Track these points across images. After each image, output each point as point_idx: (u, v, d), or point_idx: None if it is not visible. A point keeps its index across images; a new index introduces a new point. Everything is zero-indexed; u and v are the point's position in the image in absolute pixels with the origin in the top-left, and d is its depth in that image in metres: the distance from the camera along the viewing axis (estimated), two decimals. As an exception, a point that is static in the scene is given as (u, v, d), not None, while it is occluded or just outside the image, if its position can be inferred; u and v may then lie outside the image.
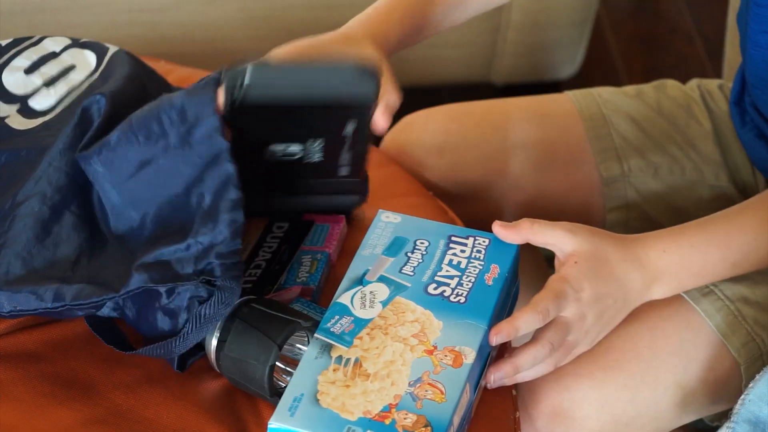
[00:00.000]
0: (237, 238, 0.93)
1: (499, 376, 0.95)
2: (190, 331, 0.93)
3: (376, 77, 0.94)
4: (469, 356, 0.91)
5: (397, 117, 1.35)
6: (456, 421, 0.88)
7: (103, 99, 1.04)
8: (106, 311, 0.98)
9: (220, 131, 0.94)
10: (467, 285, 0.96)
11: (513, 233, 0.98)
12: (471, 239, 1.00)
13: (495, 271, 0.97)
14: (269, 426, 0.87)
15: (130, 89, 1.09)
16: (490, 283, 0.96)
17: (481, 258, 0.98)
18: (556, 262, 0.98)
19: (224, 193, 0.94)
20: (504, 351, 1.00)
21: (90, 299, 0.94)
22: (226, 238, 0.93)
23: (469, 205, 1.27)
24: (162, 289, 0.94)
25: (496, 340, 0.92)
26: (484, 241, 0.99)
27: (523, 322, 0.93)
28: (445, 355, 0.91)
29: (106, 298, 0.94)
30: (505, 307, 0.98)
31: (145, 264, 0.94)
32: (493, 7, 1.19)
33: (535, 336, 0.95)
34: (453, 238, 1.00)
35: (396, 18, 1.08)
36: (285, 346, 0.95)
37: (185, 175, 0.96)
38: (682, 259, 0.99)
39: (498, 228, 0.98)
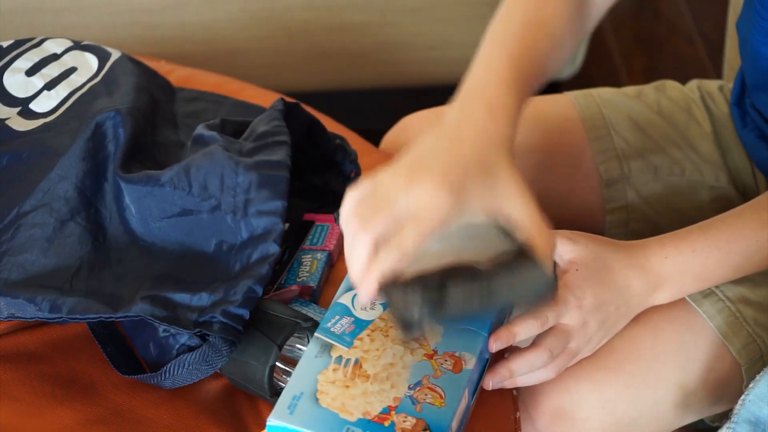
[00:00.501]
0: (247, 308, 0.93)
1: (496, 380, 0.95)
2: (172, 373, 0.94)
3: (555, 282, 0.87)
4: (470, 362, 0.91)
5: (396, 117, 1.35)
6: (454, 425, 0.88)
7: (119, 116, 1.05)
8: None
9: (282, 216, 0.95)
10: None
11: None
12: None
13: None
14: (268, 423, 0.87)
15: (141, 104, 1.10)
16: None
17: None
18: (558, 270, 0.98)
19: (257, 268, 0.95)
20: (503, 351, 1.00)
21: (86, 314, 0.94)
22: (238, 302, 0.93)
23: (469, 206, 1.26)
24: (159, 326, 0.94)
25: (495, 346, 0.93)
26: None
27: (521, 328, 0.93)
28: (446, 360, 0.91)
29: (103, 317, 0.94)
30: (505, 313, 0.98)
31: (152, 297, 0.94)
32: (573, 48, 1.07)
33: (535, 342, 0.95)
34: None
35: (516, 99, 0.92)
36: (285, 346, 0.95)
37: (223, 238, 0.97)
38: (684, 264, 0.99)
39: None
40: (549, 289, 0.87)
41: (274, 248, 0.96)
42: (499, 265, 0.86)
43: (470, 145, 0.87)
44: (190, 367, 0.93)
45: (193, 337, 0.94)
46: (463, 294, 0.84)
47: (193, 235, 0.99)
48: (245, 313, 0.93)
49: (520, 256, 0.86)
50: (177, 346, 0.94)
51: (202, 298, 0.94)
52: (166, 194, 0.99)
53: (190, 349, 0.94)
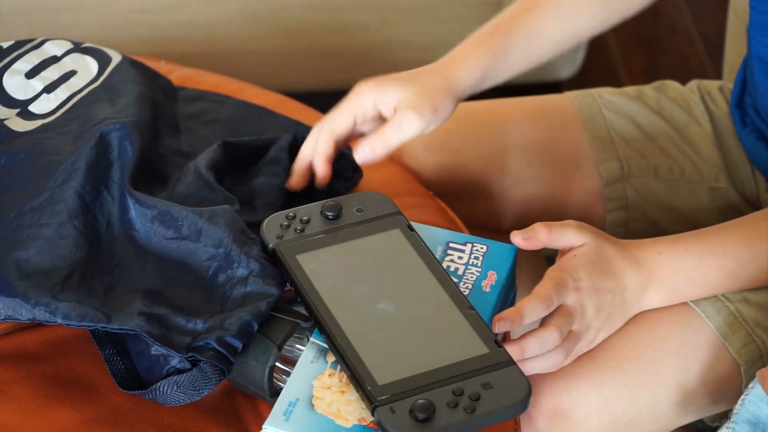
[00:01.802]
0: (241, 340, 0.93)
1: None
2: (163, 392, 0.93)
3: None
4: None
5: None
6: None
7: (125, 129, 1.06)
8: None
9: (272, 303, 0.95)
10: (464, 292, 0.95)
11: (533, 242, 0.98)
12: (469, 245, 0.99)
13: (492, 277, 0.97)
14: (263, 429, 0.87)
15: (146, 116, 1.10)
16: (488, 290, 0.96)
17: (479, 264, 0.98)
18: (558, 255, 0.99)
19: (255, 303, 0.95)
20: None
21: (82, 322, 0.94)
22: (233, 332, 0.92)
23: (470, 205, 1.27)
24: (152, 344, 0.94)
25: (498, 327, 0.91)
26: (482, 248, 0.99)
27: (528, 309, 0.92)
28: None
29: (98, 326, 0.94)
30: (506, 303, 0.98)
31: (149, 314, 0.94)
32: (572, 46, 1.23)
33: (543, 322, 0.95)
34: (451, 245, 1.00)
35: (471, 54, 1.15)
36: (285, 347, 0.95)
37: (219, 269, 0.98)
38: (678, 262, 1.00)
39: (519, 240, 0.98)
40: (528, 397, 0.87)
41: (273, 289, 0.96)
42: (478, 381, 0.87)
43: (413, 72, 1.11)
44: (178, 389, 0.93)
45: (183, 361, 0.94)
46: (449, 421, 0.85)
47: (191, 258, 0.99)
48: (239, 345, 0.92)
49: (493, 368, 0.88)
50: (167, 367, 0.94)
51: (197, 324, 0.94)
52: (175, 230, 1.00)
53: (178, 371, 0.94)
